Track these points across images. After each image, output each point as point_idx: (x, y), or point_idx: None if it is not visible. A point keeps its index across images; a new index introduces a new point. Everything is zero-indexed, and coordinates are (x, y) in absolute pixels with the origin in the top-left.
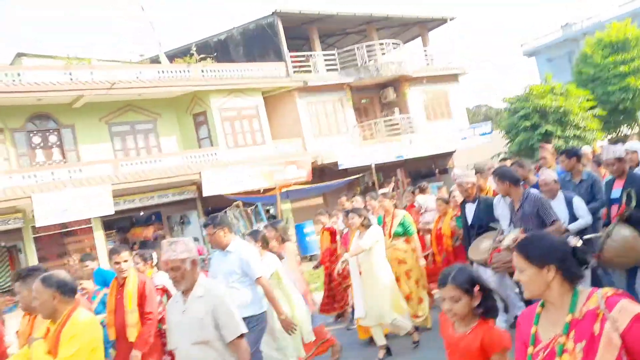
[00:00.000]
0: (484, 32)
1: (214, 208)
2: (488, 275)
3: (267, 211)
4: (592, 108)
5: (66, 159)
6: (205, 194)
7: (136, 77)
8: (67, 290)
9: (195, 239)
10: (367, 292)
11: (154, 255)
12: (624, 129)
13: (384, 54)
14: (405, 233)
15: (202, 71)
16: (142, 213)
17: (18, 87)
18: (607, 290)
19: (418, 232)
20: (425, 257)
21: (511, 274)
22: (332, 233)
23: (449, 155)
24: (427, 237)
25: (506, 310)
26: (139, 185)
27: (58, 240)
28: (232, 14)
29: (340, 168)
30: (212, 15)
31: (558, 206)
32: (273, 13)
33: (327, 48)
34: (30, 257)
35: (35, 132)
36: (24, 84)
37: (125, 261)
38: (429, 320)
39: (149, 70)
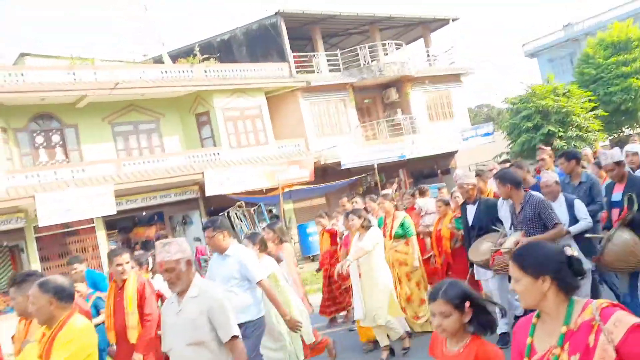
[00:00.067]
0: (484, 32)
1: (217, 208)
2: (488, 277)
3: (270, 211)
4: (594, 109)
5: (69, 158)
6: (207, 193)
7: (139, 77)
8: (64, 296)
9: (198, 239)
10: (366, 293)
11: (150, 259)
12: (626, 130)
13: (386, 54)
14: (404, 235)
15: (205, 71)
16: (144, 213)
17: (21, 86)
18: (603, 302)
19: (418, 235)
20: (427, 260)
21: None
22: (333, 235)
23: (451, 155)
24: (428, 240)
25: (504, 314)
26: (141, 185)
27: (60, 240)
28: (233, 14)
29: (342, 168)
30: (213, 15)
31: (559, 208)
32: (276, 13)
33: (330, 48)
34: (32, 257)
35: (38, 131)
36: (27, 84)
37: (127, 263)
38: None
39: (152, 71)
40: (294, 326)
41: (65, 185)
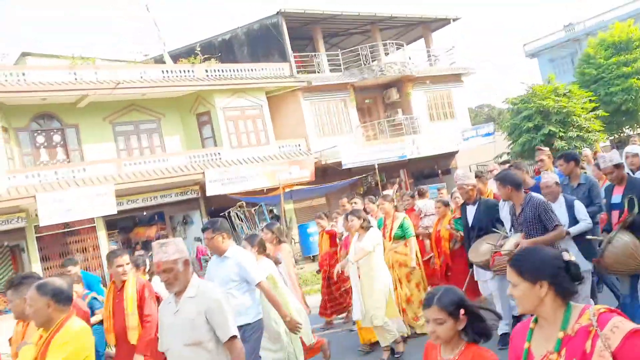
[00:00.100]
0: (484, 31)
1: (217, 208)
2: (488, 278)
3: (271, 211)
4: (594, 109)
5: (70, 158)
6: (208, 193)
7: (140, 76)
8: (62, 298)
9: (198, 239)
10: (365, 294)
11: (147, 261)
12: (626, 130)
13: (387, 54)
14: (404, 236)
15: (206, 71)
16: (145, 213)
17: (23, 86)
18: (600, 307)
19: (417, 236)
20: (427, 261)
21: None
22: (332, 236)
23: (451, 155)
24: (427, 242)
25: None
26: (142, 185)
27: (61, 239)
28: (234, 14)
29: (343, 168)
30: (213, 15)
31: (559, 209)
32: (277, 13)
33: (331, 48)
34: (33, 256)
35: (39, 131)
36: (28, 84)
37: (127, 264)
38: None
39: (153, 70)
40: (294, 327)
41: (66, 185)
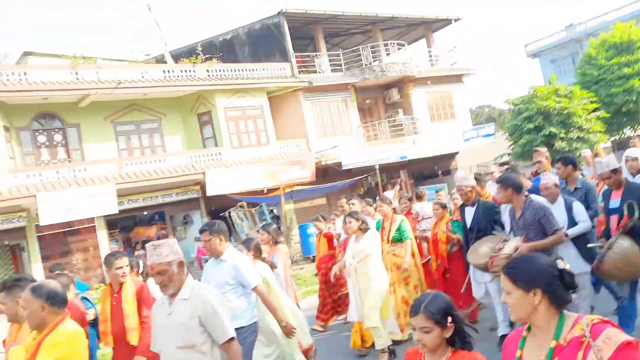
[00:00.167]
0: (484, 31)
1: (218, 208)
2: (486, 280)
3: (271, 211)
4: (595, 110)
5: (71, 158)
6: (209, 193)
7: (141, 76)
8: (57, 301)
9: (198, 239)
10: (362, 296)
11: (140, 262)
12: (627, 131)
13: (388, 54)
14: (401, 238)
15: (208, 71)
16: (145, 212)
17: (24, 86)
18: (594, 317)
19: (415, 239)
20: (425, 264)
21: None
22: (330, 239)
23: (452, 156)
24: (425, 245)
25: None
26: (143, 184)
27: (61, 239)
28: (235, 14)
29: (344, 169)
30: (214, 15)
31: (558, 210)
32: (279, 13)
33: (332, 48)
34: (34, 256)
35: (40, 131)
36: (30, 83)
37: (127, 266)
38: None
39: (155, 70)
40: (289, 332)
41: (67, 184)
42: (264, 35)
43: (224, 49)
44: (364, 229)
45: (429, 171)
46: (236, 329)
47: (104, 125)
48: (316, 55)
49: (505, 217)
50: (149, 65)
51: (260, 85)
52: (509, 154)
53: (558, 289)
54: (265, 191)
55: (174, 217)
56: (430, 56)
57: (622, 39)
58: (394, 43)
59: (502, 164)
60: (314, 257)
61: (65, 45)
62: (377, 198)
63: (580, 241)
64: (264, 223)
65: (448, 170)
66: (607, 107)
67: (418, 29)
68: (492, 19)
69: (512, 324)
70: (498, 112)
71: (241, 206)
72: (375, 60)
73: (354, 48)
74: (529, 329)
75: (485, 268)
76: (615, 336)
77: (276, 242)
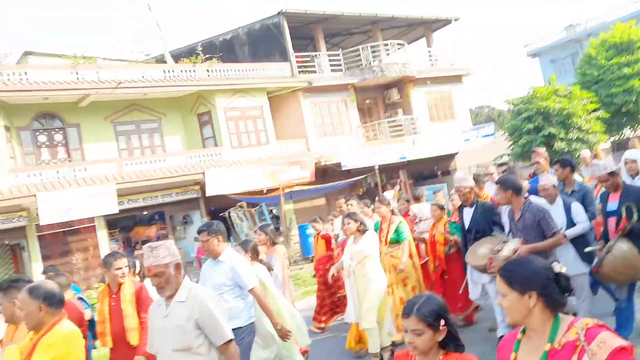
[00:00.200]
0: (484, 31)
1: (217, 208)
2: (485, 281)
3: (271, 212)
4: (595, 110)
5: (71, 157)
6: (208, 193)
7: (142, 76)
8: (54, 302)
9: (197, 239)
10: (360, 297)
11: (137, 263)
12: (627, 132)
13: (388, 54)
14: (399, 240)
15: (208, 71)
16: (145, 212)
17: (25, 86)
18: (588, 322)
19: (413, 240)
20: (423, 265)
21: None
22: (328, 240)
23: (451, 156)
24: (422, 246)
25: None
26: (142, 184)
27: (62, 239)
28: (235, 14)
29: (343, 169)
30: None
31: (556, 211)
32: (279, 13)
33: (332, 48)
34: (34, 255)
35: (41, 130)
36: (30, 83)
37: (126, 266)
38: None
39: (155, 70)
40: (284, 335)
41: (67, 184)
42: (263, 35)
43: (223, 49)
44: (362, 231)
45: (429, 171)
46: (233, 330)
47: (104, 125)
48: (316, 55)
49: (505, 219)
50: (149, 65)
51: (260, 85)
52: (508, 155)
53: (553, 292)
54: (264, 191)
55: (174, 217)
56: (430, 56)
57: (622, 39)
58: (393, 43)
59: (499, 165)
60: (313, 257)
61: (65, 45)
62: (376, 199)
63: (579, 242)
64: (262, 224)
65: (448, 171)
66: (607, 108)
67: (418, 29)
68: (492, 19)
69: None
70: (497, 113)
71: (241, 206)
72: (375, 60)
73: (354, 48)
74: (523, 331)
75: (484, 269)
76: (610, 341)
77: (274, 243)
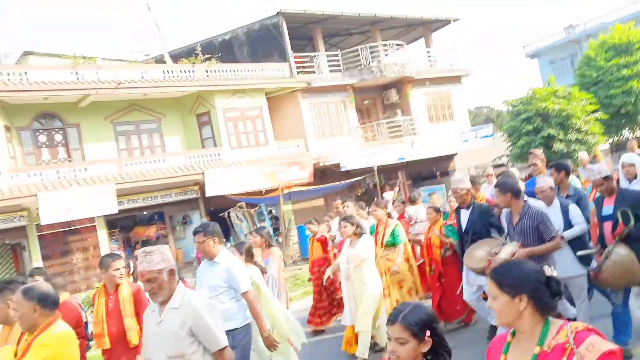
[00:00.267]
0: (483, 32)
1: (217, 208)
2: (483, 283)
3: (270, 212)
4: (594, 111)
5: (71, 157)
6: (208, 194)
7: (141, 76)
8: (48, 303)
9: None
10: (357, 301)
11: (131, 263)
12: (626, 133)
13: (387, 55)
14: (395, 243)
15: (207, 71)
16: (145, 212)
17: (25, 86)
18: (578, 325)
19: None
20: (419, 267)
21: None
22: (324, 243)
23: (450, 157)
24: (418, 249)
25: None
26: (142, 184)
27: (62, 238)
28: (234, 14)
29: (342, 169)
30: (213, 15)
31: (553, 213)
32: (278, 13)
33: (331, 48)
34: (34, 255)
35: (41, 130)
36: (30, 83)
37: (123, 267)
38: None
39: (154, 70)
40: (270, 345)
41: (67, 184)
42: (262, 36)
43: (223, 49)
44: (358, 234)
45: (427, 172)
46: (229, 331)
47: (104, 125)
48: (315, 55)
49: (504, 221)
50: (149, 66)
51: (258, 85)
52: (507, 156)
53: (544, 296)
54: (264, 192)
55: (173, 217)
56: (429, 57)
57: (621, 41)
58: (392, 43)
59: (497, 166)
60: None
61: (65, 45)
62: (375, 201)
63: (576, 244)
64: (257, 227)
65: (446, 172)
66: (606, 109)
67: (417, 29)
68: (491, 19)
69: None
70: (496, 113)
71: (240, 207)
72: (374, 61)
73: (353, 48)
74: (513, 334)
75: (482, 272)
76: (599, 344)
77: (269, 246)
